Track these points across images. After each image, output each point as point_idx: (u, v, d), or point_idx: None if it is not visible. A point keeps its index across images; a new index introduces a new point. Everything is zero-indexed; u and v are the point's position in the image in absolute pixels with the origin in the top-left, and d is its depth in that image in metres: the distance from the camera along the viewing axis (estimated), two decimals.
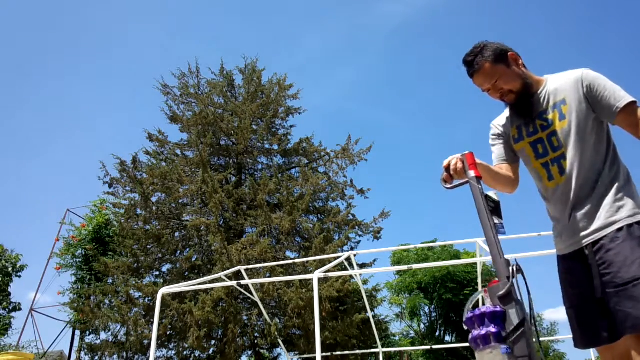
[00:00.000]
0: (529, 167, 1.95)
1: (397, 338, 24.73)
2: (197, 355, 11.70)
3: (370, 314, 9.55)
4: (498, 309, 1.32)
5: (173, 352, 11.57)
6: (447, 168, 1.76)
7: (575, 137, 1.77)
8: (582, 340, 1.76)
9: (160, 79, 14.92)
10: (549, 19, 66.97)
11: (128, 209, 12.46)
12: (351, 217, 13.67)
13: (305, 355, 10.96)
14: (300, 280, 10.46)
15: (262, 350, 13.03)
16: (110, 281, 12.41)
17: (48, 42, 57.05)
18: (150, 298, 10.97)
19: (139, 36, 65.41)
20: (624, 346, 1.67)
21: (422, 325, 25.39)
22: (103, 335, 12.16)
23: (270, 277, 10.89)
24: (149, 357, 9.19)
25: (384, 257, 34.29)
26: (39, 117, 52.52)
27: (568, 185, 1.78)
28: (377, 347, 9.20)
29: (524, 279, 1.42)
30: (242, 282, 6.56)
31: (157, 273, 12.52)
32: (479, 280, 8.69)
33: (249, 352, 12.70)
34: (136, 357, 11.31)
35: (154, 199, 12.81)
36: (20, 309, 14.48)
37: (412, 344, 23.39)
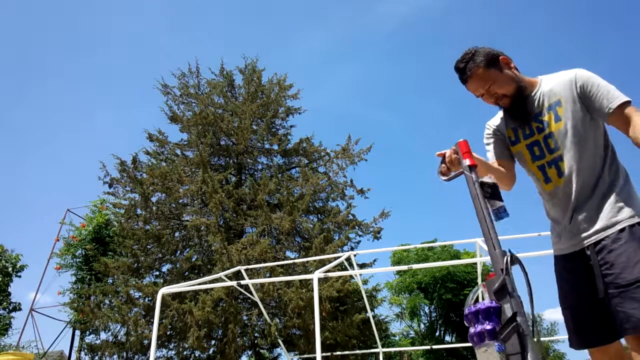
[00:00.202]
0: (525, 169, 1.94)
1: (397, 338, 24.73)
2: (197, 355, 11.70)
3: (370, 314, 9.54)
4: (493, 304, 1.28)
5: (173, 352, 11.57)
6: (443, 159, 1.73)
7: (572, 138, 1.76)
8: (579, 341, 1.76)
9: (160, 79, 14.97)
10: (549, 19, 66.99)
11: (128, 209, 12.47)
12: (351, 217, 13.66)
13: (305, 355, 10.96)
14: (300, 280, 10.45)
15: (262, 350, 13.02)
16: (110, 281, 12.41)
17: (48, 42, 57.14)
18: (150, 298, 10.97)
19: (139, 36, 65.50)
20: (616, 348, 1.68)
21: (422, 325, 25.40)
22: (103, 335, 12.17)
23: (270, 277, 10.89)
24: (149, 357, 9.20)
25: (384, 257, 34.26)
26: (39, 117, 52.59)
27: (568, 187, 1.76)
28: (377, 347, 9.18)
29: (523, 268, 1.36)
30: (242, 282, 6.56)
31: (157, 273, 12.52)
32: (479, 281, 8.68)
33: (249, 352, 12.70)
34: (136, 357, 11.31)
35: (154, 199, 12.81)
36: (20, 309, 14.49)
37: (412, 344, 23.38)
